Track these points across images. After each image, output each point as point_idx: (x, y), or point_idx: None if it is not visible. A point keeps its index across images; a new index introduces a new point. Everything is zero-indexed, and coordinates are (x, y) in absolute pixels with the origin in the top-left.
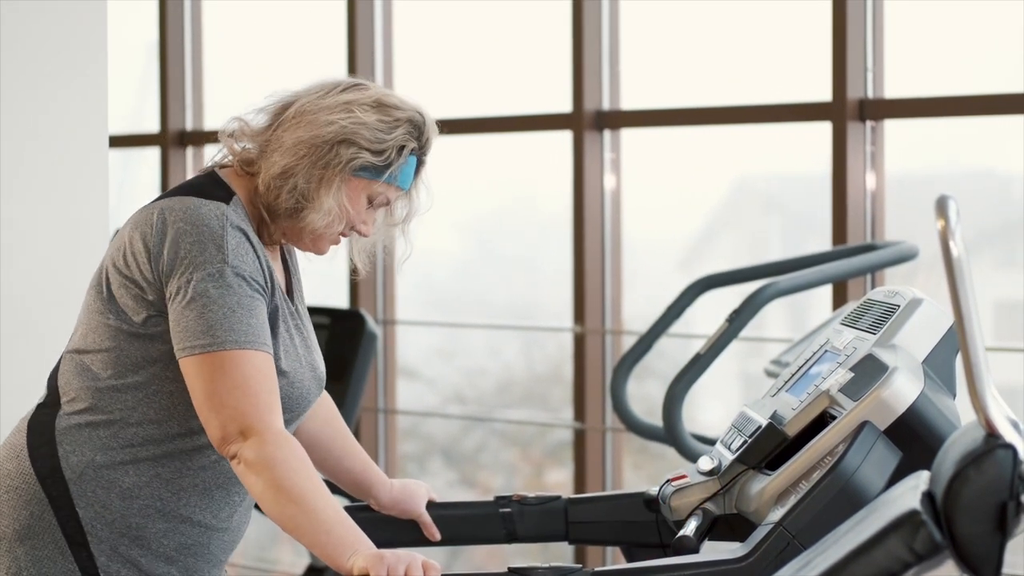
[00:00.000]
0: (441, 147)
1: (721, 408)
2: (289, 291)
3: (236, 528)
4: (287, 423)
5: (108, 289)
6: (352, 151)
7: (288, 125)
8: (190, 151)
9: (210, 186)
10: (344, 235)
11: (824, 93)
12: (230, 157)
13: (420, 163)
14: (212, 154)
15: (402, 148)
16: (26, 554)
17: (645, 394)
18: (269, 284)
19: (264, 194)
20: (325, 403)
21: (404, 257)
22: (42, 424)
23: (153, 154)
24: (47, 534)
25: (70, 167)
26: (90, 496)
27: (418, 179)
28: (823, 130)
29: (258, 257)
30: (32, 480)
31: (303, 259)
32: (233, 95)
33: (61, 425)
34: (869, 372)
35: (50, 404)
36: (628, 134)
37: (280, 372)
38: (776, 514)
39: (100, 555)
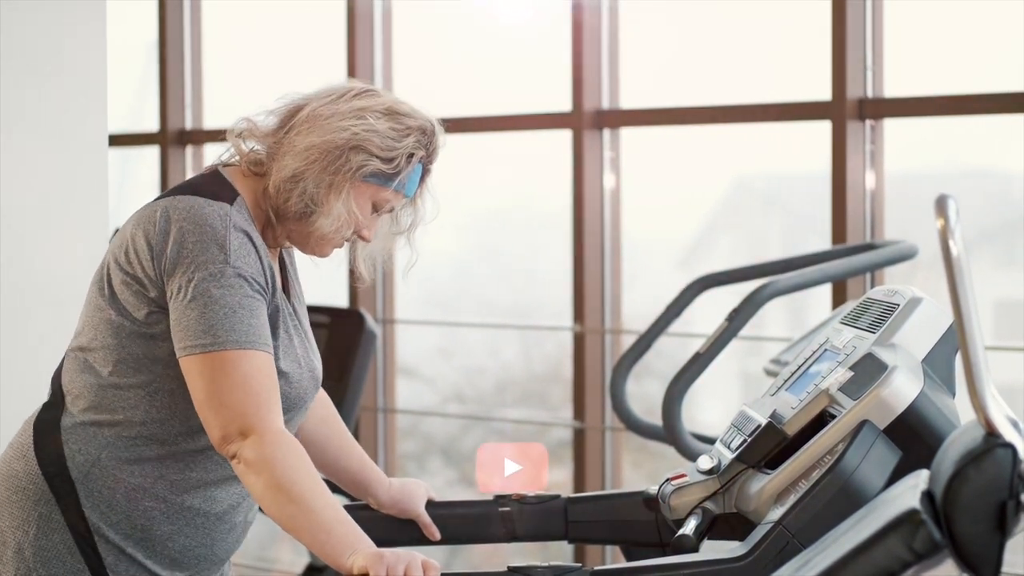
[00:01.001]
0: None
1: (721, 407)
2: (287, 292)
3: (241, 527)
4: (285, 423)
5: (110, 285)
6: (362, 157)
7: (300, 129)
8: (189, 150)
9: (214, 186)
10: (347, 240)
11: (824, 92)
12: (237, 157)
13: (426, 171)
14: (218, 153)
15: (411, 156)
16: (35, 555)
17: (645, 393)
18: (270, 285)
19: (273, 196)
20: (323, 402)
21: (409, 265)
22: (47, 423)
23: (152, 153)
24: (56, 534)
25: (69, 166)
26: (96, 496)
27: (423, 187)
28: (823, 129)
29: (260, 258)
30: (40, 480)
31: (302, 258)
32: (233, 95)
33: (66, 424)
34: (869, 371)
35: (55, 403)
36: (628, 133)
37: (279, 372)
38: (776, 513)
39: (107, 555)
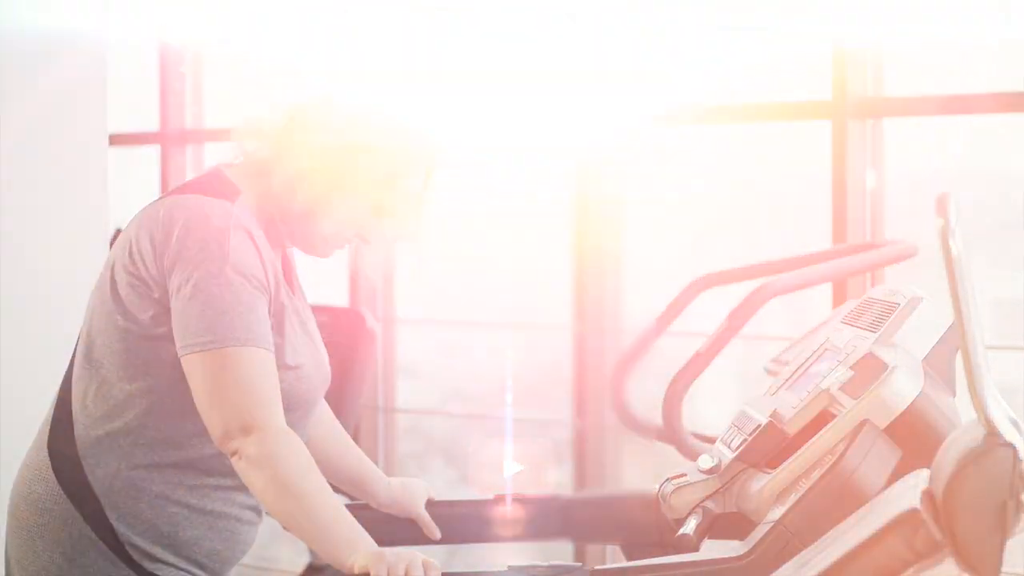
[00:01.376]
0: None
1: (721, 406)
2: (292, 289)
3: (259, 527)
4: (297, 420)
5: (115, 289)
6: (367, 159)
7: (304, 129)
8: (190, 149)
9: (217, 185)
10: (349, 242)
11: (824, 92)
12: (241, 157)
13: (429, 173)
14: (219, 152)
15: (415, 157)
16: (79, 574)
17: (645, 393)
18: (273, 283)
19: (278, 196)
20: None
21: (417, 266)
22: (61, 441)
23: (153, 152)
24: (92, 550)
25: (69, 166)
26: (121, 507)
27: (427, 189)
28: (823, 129)
29: (261, 257)
30: (63, 500)
31: (301, 258)
32: (233, 95)
33: (82, 439)
34: (869, 371)
35: (64, 418)
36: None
37: (289, 368)
38: (776, 512)
39: (143, 560)
